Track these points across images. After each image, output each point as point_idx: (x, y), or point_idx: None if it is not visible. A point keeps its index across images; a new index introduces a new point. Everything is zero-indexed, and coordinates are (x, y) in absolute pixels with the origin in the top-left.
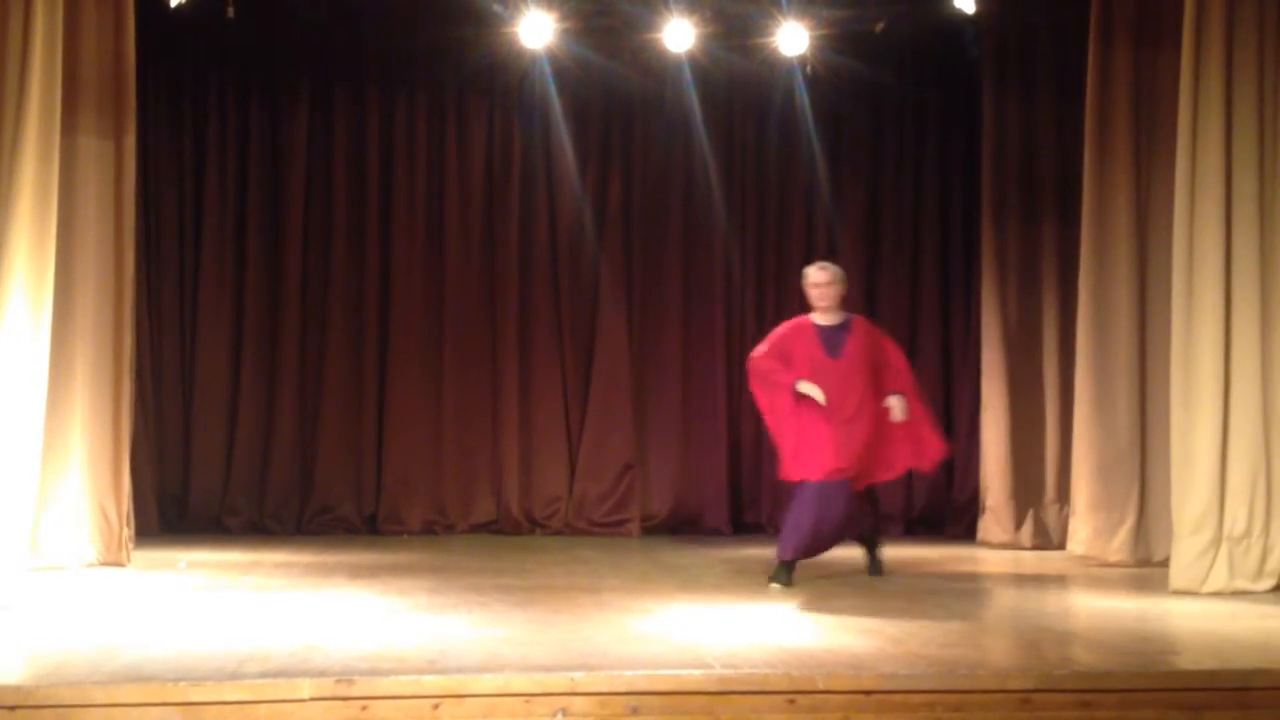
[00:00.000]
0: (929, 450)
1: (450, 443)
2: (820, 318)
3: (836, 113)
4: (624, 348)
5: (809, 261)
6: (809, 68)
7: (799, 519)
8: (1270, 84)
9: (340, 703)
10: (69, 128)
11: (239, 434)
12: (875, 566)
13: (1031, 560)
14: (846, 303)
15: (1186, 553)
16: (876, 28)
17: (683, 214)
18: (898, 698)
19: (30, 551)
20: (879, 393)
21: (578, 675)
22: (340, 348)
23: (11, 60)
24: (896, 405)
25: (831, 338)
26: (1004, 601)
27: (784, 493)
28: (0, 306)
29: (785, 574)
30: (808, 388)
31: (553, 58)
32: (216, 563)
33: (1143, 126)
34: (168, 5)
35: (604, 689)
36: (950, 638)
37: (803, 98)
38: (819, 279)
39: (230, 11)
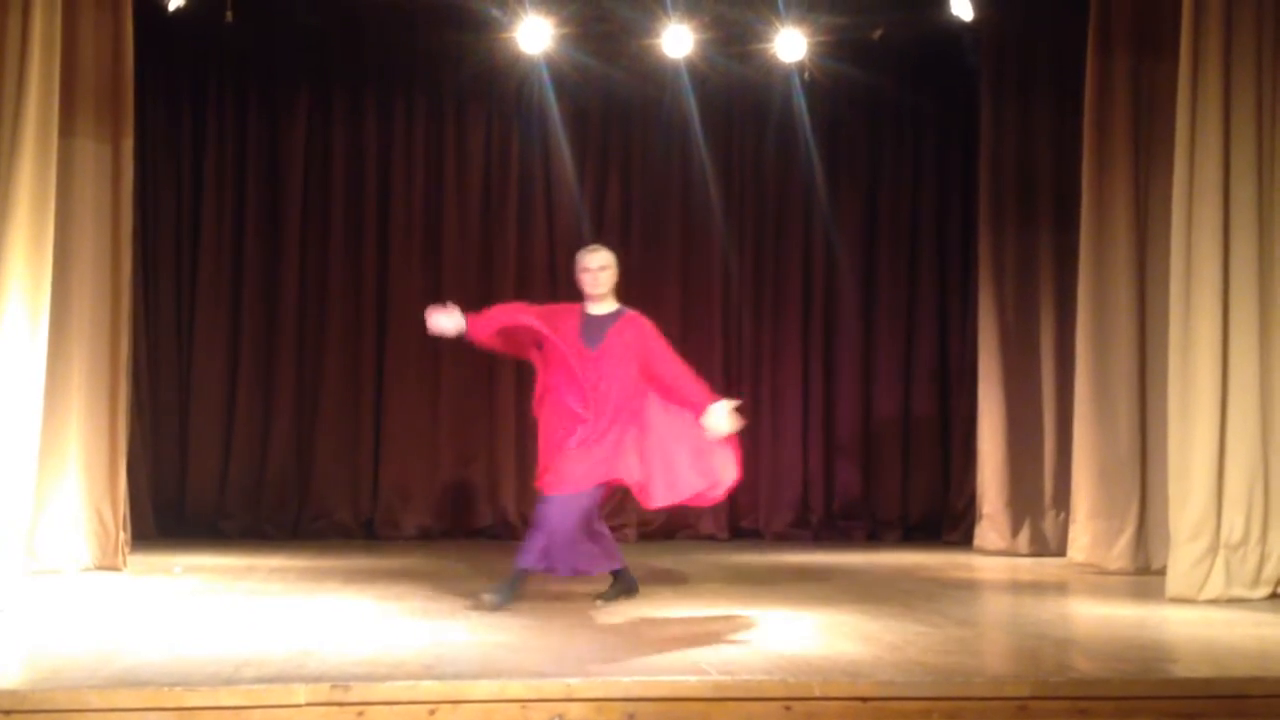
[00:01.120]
0: (721, 478)
1: (447, 448)
2: (590, 306)
3: (834, 119)
4: None
5: (808, 268)
6: (807, 74)
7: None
8: (1268, 91)
9: (336, 708)
10: (67, 131)
11: (235, 439)
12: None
13: (1028, 567)
14: (620, 293)
15: (1183, 560)
16: (875, 35)
17: (681, 219)
18: (894, 705)
19: (26, 555)
20: (646, 400)
21: (574, 681)
22: (337, 352)
23: (9, 63)
24: (716, 417)
25: (594, 327)
26: (1001, 609)
27: (783, 497)
28: None
29: (506, 587)
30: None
31: (551, 63)
32: (212, 567)
33: (1141, 134)
34: (166, 9)
35: (600, 695)
36: (947, 645)
37: (800, 104)
38: (589, 263)
39: (229, 16)
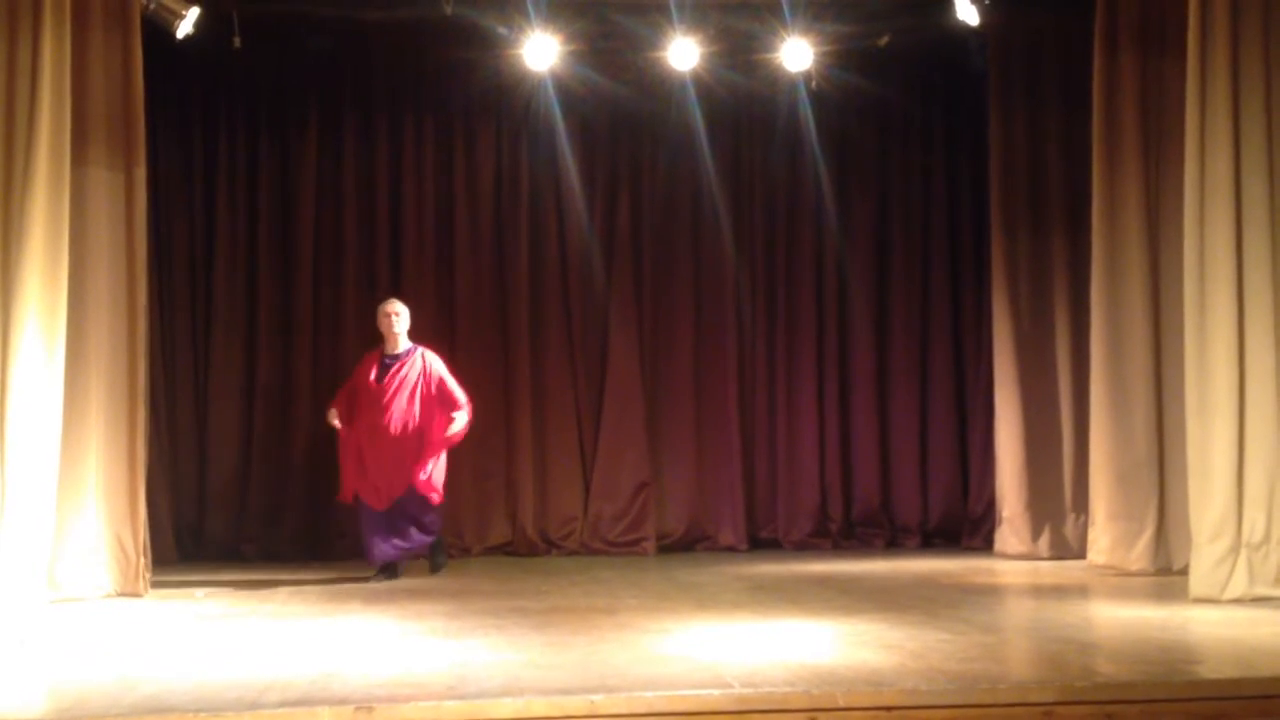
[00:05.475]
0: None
1: (464, 465)
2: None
3: (842, 128)
4: (636, 366)
5: (820, 276)
6: (814, 84)
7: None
8: (1277, 86)
9: None
10: (79, 160)
11: (254, 461)
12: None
13: (1050, 571)
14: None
15: (1205, 560)
16: (881, 42)
17: (691, 231)
18: (919, 713)
19: (48, 584)
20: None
21: (597, 697)
22: (352, 372)
23: (21, 95)
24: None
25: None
26: (1024, 613)
27: (802, 506)
28: (14, 339)
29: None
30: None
31: (558, 79)
32: (234, 591)
33: (1151, 134)
34: (174, 37)
35: (624, 711)
36: (971, 651)
37: (808, 114)
38: (399, 308)
39: (237, 41)
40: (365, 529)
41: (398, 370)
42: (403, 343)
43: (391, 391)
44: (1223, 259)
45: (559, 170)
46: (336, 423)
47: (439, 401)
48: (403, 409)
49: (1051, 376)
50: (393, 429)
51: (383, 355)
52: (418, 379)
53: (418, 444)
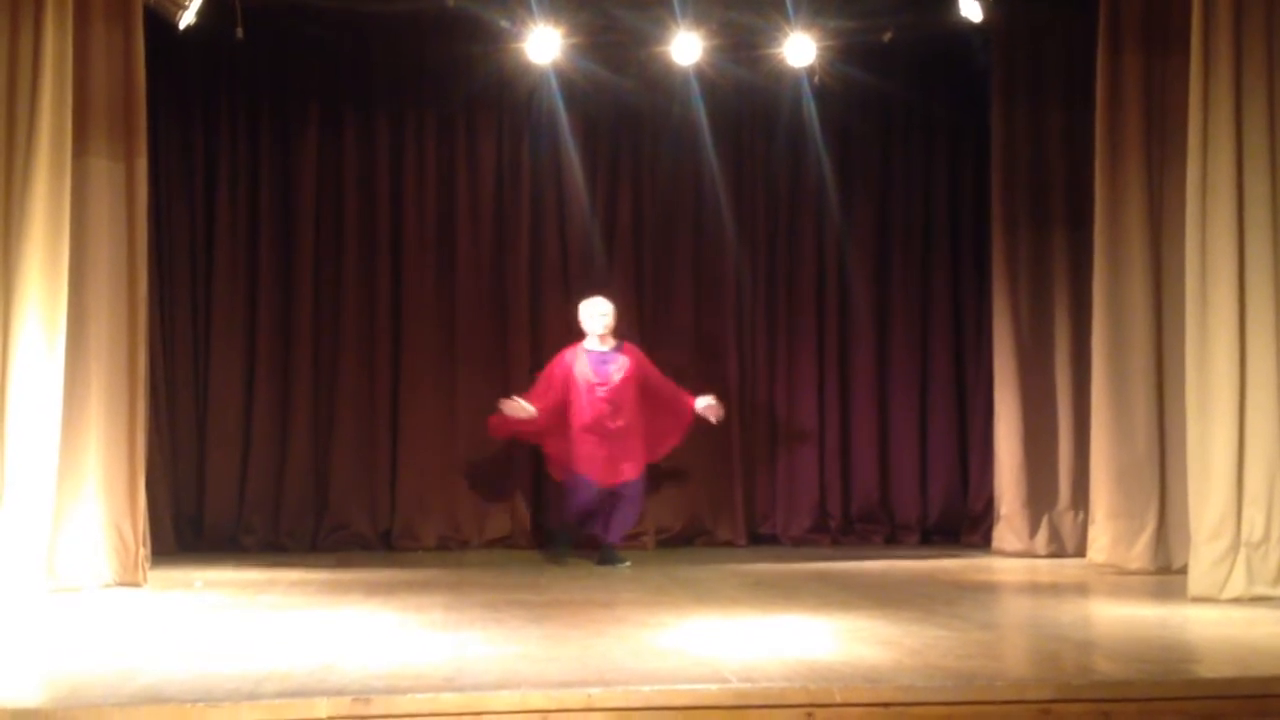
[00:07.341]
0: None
1: (464, 458)
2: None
3: (845, 123)
4: None
5: (821, 272)
6: (816, 79)
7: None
8: None
9: None
10: (80, 150)
11: (253, 452)
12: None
13: (1047, 568)
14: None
15: (1204, 559)
16: (884, 38)
17: (693, 226)
18: (916, 710)
19: (47, 573)
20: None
21: (595, 691)
22: (353, 364)
23: (22, 85)
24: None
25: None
26: (1022, 611)
27: (800, 502)
28: (15, 329)
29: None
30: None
31: (560, 73)
32: (233, 581)
33: (1153, 132)
34: (177, 28)
35: (621, 704)
36: (968, 648)
37: (810, 109)
38: (608, 307)
39: (239, 33)
40: (577, 508)
41: (615, 363)
42: (610, 339)
43: (614, 382)
44: (1224, 258)
45: (561, 164)
46: (516, 408)
47: (653, 395)
48: (623, 399)
49: (1051, 374)
50: (618, 417)
51: (592, 350)
52: (633, 371)
53: (637, 430)
